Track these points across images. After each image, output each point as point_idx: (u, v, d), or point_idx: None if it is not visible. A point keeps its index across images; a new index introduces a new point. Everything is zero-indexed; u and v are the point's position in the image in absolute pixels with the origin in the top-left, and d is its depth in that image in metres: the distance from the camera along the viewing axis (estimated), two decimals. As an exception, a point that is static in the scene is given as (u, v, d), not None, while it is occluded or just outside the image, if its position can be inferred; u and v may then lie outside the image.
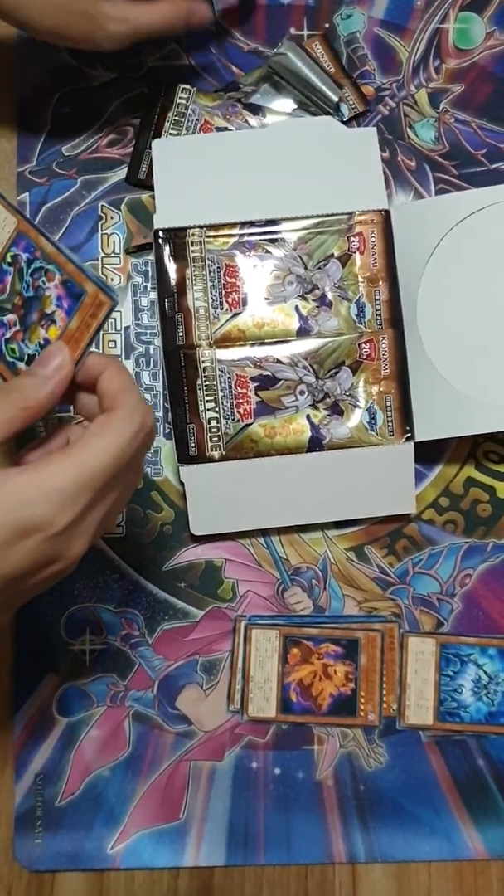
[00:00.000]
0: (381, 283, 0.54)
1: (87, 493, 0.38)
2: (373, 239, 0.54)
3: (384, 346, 0.54)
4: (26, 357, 0.43)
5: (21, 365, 0.43)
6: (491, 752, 0.54)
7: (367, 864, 0.53)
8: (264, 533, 0.56)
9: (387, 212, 0.54)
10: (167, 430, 0.56)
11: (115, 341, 0.57)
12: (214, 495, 0.53)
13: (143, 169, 0.57)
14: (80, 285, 0.41)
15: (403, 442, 0.54)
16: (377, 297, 0.54)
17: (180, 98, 0.57)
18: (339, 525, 0.56)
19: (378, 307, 0.54)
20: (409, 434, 0.54)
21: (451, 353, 0.54)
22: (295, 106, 0.58)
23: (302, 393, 0.53)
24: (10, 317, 0.43)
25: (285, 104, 0.58)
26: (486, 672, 0.55)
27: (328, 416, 0.53)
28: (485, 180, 0.58)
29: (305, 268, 0.54)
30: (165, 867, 0.53)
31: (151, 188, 0.56)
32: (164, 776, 0.54)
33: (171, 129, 0.57)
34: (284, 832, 0.53)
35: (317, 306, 0.54)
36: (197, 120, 0.57)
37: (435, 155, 0.58)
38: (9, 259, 0.43)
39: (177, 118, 0.57)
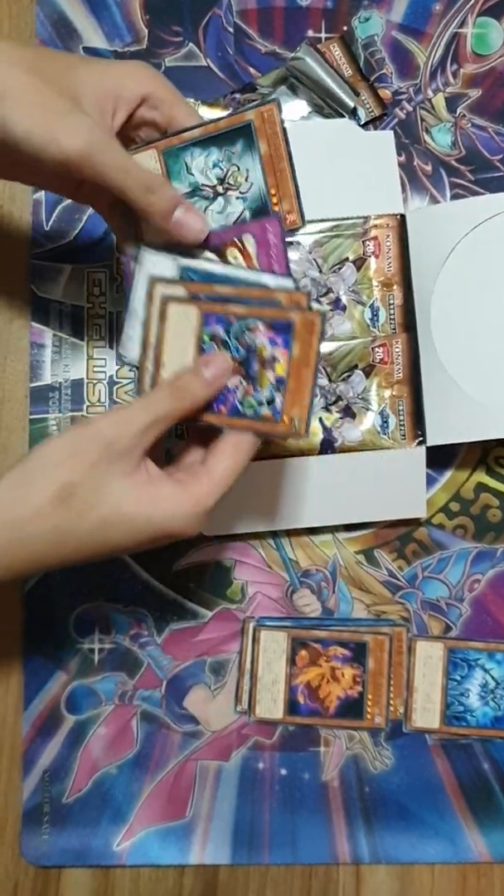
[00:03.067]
0: (395, 287, 0.54)
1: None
2: (388, 243, 0.54)
3: (397, 350, 0.54)
4: (265, 401, 0.44)
5: (264, 410, 0.44)
6: (496, 757, 0.55)
7: (371, 865, 0.54)
8: (274, 534, 0.56)
9: (402, 216, 0.54)
10: (179, 431, 0.56)
11: (128, 341, 0.57)
12: (225, 496, 0.53)
13: None
14: (284, 320, 0.43)
15: (415, 446, 0.54)
16: (391, 302, 0.54)
17: None
18: (348, 528, 0.56)
19: (392, 311, 0.54)
20: (420, 438, 0.54)
21: (464, 359, 0.54)
22: (309, 109, 0.58)
23: (315, 396, 0.53)
24: (233, 380, 0.44)
25: (300, 107, 0.58)
26: (493, 677, 0.55)
27: (340, 419, 0.54)
28: (501, 185, 0.58)
29: (320, 271, 0.54)
30: (171, 865, 0.53)
31: None
32: (171, 775, 0.54)
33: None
34: (290, 832, 0.54)
35: (331, 310, 0.54)
36: None
37: (451, 160, 0.58)
38: (206, 339, 0.44)
39: None
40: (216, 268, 0.46)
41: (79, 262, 0.57)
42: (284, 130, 0.46)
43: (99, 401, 0.56)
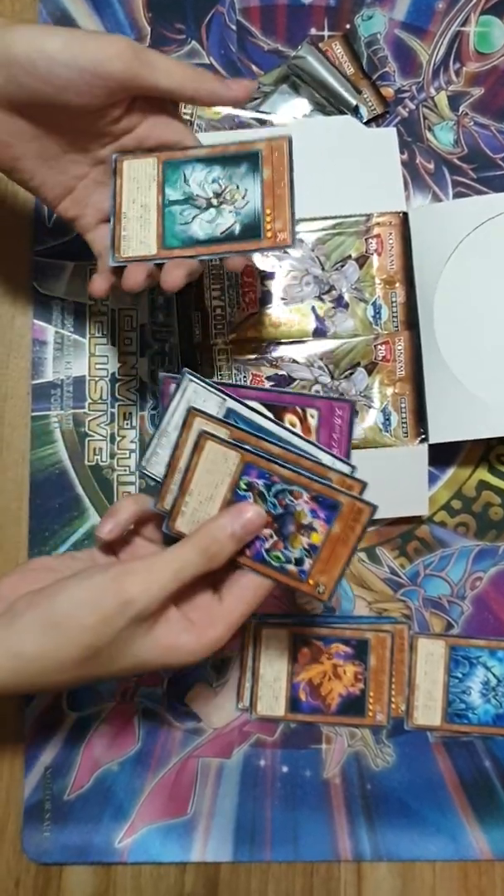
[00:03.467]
0: (397, 285, 0.54)
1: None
2: (390, 241, 0.54)
3: (400, 347, 0.54)
4: (294, 560, 0.43)
5: (290, 567, 0.43)
6: (498, 754, 0.55)
7: (372, 862, 0.54)
8: (276, 532, 0.56)
9: (405, 214, 0.54)
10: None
11: (130, 338, 0.57)
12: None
13: None
14: (332, 499, 0.42)
15: (417, 444, 0.54)
16: (394, 299, 0.54)
17: (185, 112, 0.57)
18: (350, 525, 0.56)
19: (394, 309, 0.54)
20: (423, 436, 0.54)
21: (467, 356, 0.54)
22: (312, 107, 0.58)
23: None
24: (266, 531, 0.43)
25: (302, 105, 0.58)
26: (494, 674, 0.55)
27: (343, 417, 0.54)
28: (503, 184, 0.58)
29: (323, 269, 0.54)
30: (172, 862, 0.53)
31: None
32: (173, 772, 0.54)
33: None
34: (291, 829, 0.54)
35: (333, 307, 0.54)
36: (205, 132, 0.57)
37: (453, 158, 0.58)
38: (243, 486, 0.43)
39: None
40: (268, 424, 0.44)
41: (81, 260, 0.57)
42: (291, 162, 0.46)
43: (101, 398, 0.56)
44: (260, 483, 0.43)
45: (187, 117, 0.57)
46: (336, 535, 0.42)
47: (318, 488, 0.42)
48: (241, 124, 0.57)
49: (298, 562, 0.43)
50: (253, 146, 0.46)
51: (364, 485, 0.42)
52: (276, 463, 0.42)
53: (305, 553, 0.43)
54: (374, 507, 0.41)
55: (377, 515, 0.55)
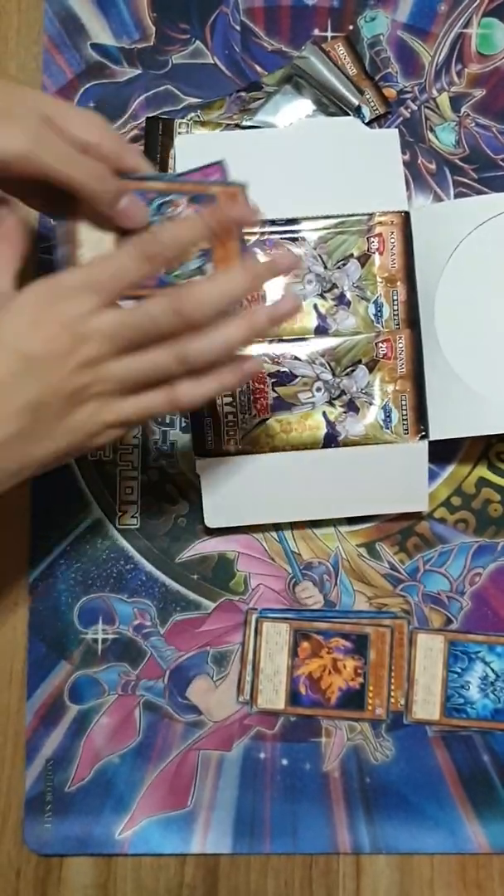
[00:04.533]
0: (399, 283, 0.55)
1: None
2: (392, 240, 0.55)
3: (401, 345, 0.54)
4: (189, 273, 0.44)
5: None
6: (496, 749, 0.55)
7: (371, 855, 0.54)
8: (277, 527, 0.56)
9: (406, 213, 0.55)
10: (184, 424, 0.57)
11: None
12: (229, 488, 0.54)
13: None
14: (205, 193, 0.43)
15: (418, 440, 0.54)
16: (395, 298, 0.55)
17: (179, 132, 0.57)
18: (351, 521, 0.57)
19: (396, 307, 0.55)
20: (423, 433, 0.54)
21: (467, 354, 0.54)
22: (314, 108, 0.58)
23: (319, 390, 0.54)
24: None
25: (304, 106, 0.58)
26: (493, 669, 0.55)
27: (344, 413, 0.54)
28: (503, 185, 0.58)
29: (325, 267, 0.55)
30: (173, 854, 0.54)
31: None
32: (173, 765, 0.55)
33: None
34: (290, 822, 0.54)
35: (335, 305, 0.55)
36: None
37: (455, 158, 0.59)
38: None
39: None
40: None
41: (86, 256, 0.57)
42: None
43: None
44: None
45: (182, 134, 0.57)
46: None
47: (189, 188, 0.43)
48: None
49: (200, 271, 0.43)
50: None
51: (243, 186, 0.43)
52: (147, 178, 0.44)
53: (200, 263, 0.43)
54: (243, 185, 0.42)
55: (377, 511, 0.56)
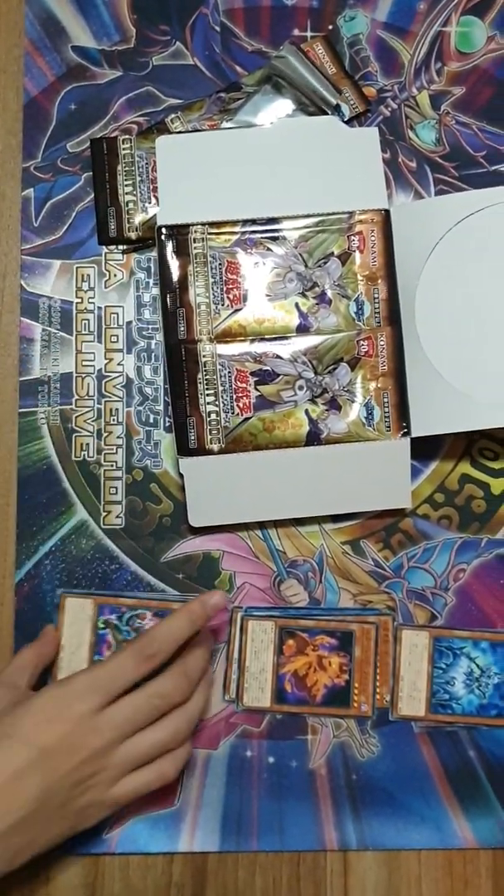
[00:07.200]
0: (379, 281, 0.55)
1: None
2: (372, 238, 0.55)
3: (382, 343, 0.55)
4: None
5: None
6: (481, 744, 0.55)
7: (358, 851, 0.54)
8: (262, 525, 0.57)
9: (387, 211, 0.55)
10: (167, 424, 0.57)
11: (117, 336, 0.57)
12: (213, 487, 0.54)
13: (112, 226, 0.57)
14: (168, 610, 0.54)
15: (400, 437, 0.54)
16: (376, 296, 0.55)
17: (124, 149, 0.57)
18: (335, 519, 0.57)
19: (377, 305, 0.55)
20: (405, 430, 0.54)
21: (448, 351, 0.54)
22: (294, 107, 0.58)
23: (301, 388, 0.54)
24: None
25: (284, 106, 0.58)
26: (477, 665, 0.56)
27: (326, 410, 0.54)
28: (484, 182, 0.58)
29: (306, 265, 0.55)
30: (160, 852, 0.54)
31: (126, 242, 0.57)
32: (160, 763, 0.55)
33: (125, 181, 0.57)
34: (278, 819, 0.54)
35: (316, 303, 0.55)
36: (146, 164, 0.57)
37: (435, 156, 0.59)
38: (101, 625, 0.55)
39: (127, 169, 0.57)
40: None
41: (68, 258, 0.58)
42: None
43: (87, 394, 0.57)
44: (113, 618, 0.55)
45: (127, 151, 0.57)
46: None
47: (156, 604, 0.55)
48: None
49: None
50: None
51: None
52: (123, 595, 0.55)
53: None
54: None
55: (361, 509, 0.56)
